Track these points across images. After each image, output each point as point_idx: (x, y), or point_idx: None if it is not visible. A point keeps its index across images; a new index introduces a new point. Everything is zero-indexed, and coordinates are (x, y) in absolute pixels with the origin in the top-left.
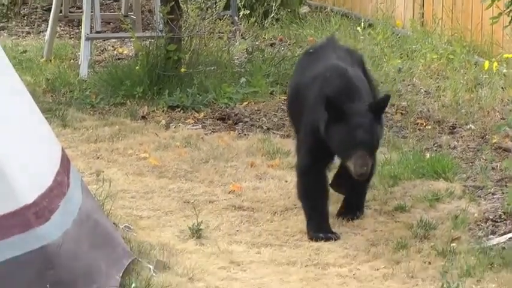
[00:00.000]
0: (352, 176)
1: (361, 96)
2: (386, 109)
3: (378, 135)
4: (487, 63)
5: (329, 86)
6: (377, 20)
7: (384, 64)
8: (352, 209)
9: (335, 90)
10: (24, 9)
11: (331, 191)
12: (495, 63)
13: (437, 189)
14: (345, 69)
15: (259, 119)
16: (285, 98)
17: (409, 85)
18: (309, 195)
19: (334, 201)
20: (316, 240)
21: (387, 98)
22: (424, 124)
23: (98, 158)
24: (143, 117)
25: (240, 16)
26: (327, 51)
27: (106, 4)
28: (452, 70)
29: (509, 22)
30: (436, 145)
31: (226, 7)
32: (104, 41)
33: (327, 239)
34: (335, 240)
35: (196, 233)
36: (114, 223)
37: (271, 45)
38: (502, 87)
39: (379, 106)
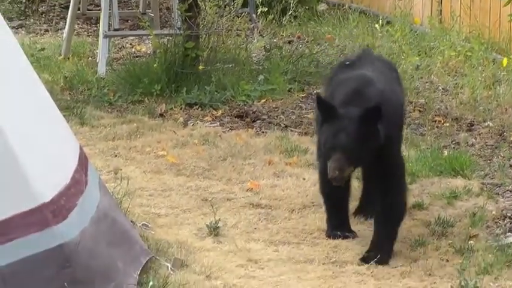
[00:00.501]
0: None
1: (366, 103)
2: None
3: (363, 142)
4: (505, 60)
5: (339, 91)
6: (395, 17)
7: (401, 61)
8: (382, 253)
9: (341, 94)
10: (42, 6)
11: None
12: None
13: (455, 186)
14: (361, 76)
15: (277, 117)
16: (303, 95)
17: (427, 82)
18: (329, 193)
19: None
20: (334, 238)
21: (377, 108)
22: (442, 121)
23: (116, 156)
24: (161, 115)
25: (258, 14)
26: (364, 64)
27: (124, 2)
28: (470, 67)
29: None
30: (454, 142)
31: (244, 4)
32: (122, 38)
33: (345, 238)
34: (353, 238)
35: (214, 230)
36: (131, 221)
37: (289, 42)
38: None
39: (370, 114)
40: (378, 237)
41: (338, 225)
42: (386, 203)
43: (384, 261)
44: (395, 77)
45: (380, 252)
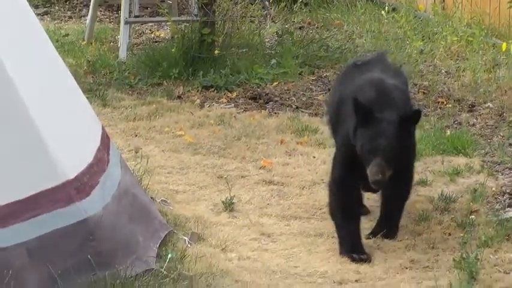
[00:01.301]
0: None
1: (395, 108)
2: (410, 88)
3: (402, 146)
4: (504, 45)
5: (364, 94)
6: (400, 4)
7: (406, 46)
8: (389, 228)
9: (368, 97)
10: None
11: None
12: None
13: (457, 164)
14: (384, 80)
15: (288, 98)
16: (313, 78)
17: (430, 66)
18: (341, 214)
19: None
20: (351, 260)
21: (418, 112)
22: (445, 103)
23: (136, 135)
24: (179, 96)
25: (271, 1)
26: (374, 67)
27: None
28: (471, 52)
29: None
30: (456, 122)
31: None
32: (142, 24)
33: (360, 260)
34: (368, 262)
35: (229, 206)
36: (151, 197)
37: (300, 28)
38: None
39: (410, 118)
40: (385, 213)
41: (353, 246)
42: (394, 183)
43: (391, 235)
44: (405, 85)
45: (387, 227)
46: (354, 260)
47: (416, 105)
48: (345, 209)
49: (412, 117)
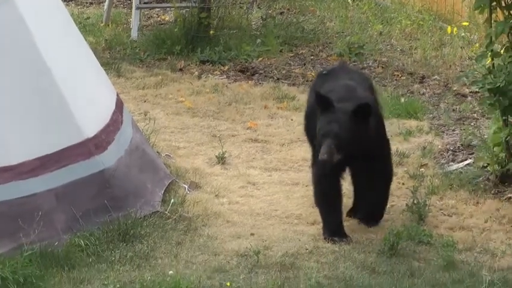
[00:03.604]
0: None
1: (354, 102)
2: (371, 64)
3: (355, 134)
4: (449, 28)
5: (328, 91)
6: None
7: (368, 29)
8: (372, 215)
9: (330, 91)
10: None
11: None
12: (455, 28)
13: (409, 126)
14: (346, 81)
15: (271, 71)
16: (292, 55)
17: (388, 45)
18: (324, 202)
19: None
20: (333, 243)
21: (367, 105)
22: (400, 75)
23: (145, 101)
24: (180, 69)
25: None
26: (340, 74)
27: None
28: (422, 33)
29: None
30: (409, 92)
31: None
32: (150, 10)
33: (341, 242)
34: (348, 243)
35: (221, 160)
36: (157, 152)
37: (281, 13)
38: (460, 47)
39: (361, 111)
40: (371, 199)
41: (335, 230)
42: (377, 169)
43: (378, 219)
44: (369, 85)
45: (376, 212)
46: (335, 242)
47: (376, 77)
48: (327, 199)
49: (365, 108)
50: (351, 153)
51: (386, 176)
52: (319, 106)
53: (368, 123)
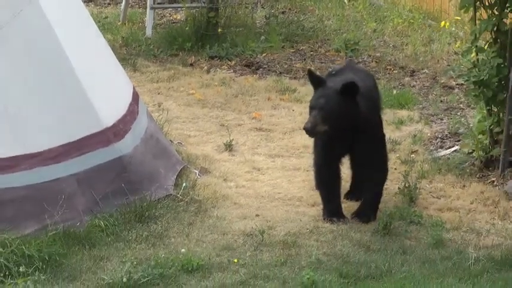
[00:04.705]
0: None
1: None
2: (365, 59)
3: (341, 110)
4: (443, 23)
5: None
6: None
7: (363, 26)
8: (366, 212)
9: (330, 75)
10: None
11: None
12: (447, 23)
13: (401, 115)
14: (351, 77)
15: (274, 66)
16: (293, 51)
17: (381, 41)
18: (324, 186)
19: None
20: (331, 223)
21: (351, 84)
22: (392, 69)
23: (159, 93)
24: (191, 64)
25: None
26: (346, 72)
27: None
28: (412, 30)
29: None
30: (400, 84)
31: None
32: (163, 9)
33: (339, 222)
34: (346, 224)
35: (229, 147)
36: (170, 140)
37: (283, 12)
38: (448, 43)
39: (347, 89)
40: (365, 199)
41: (333, 212)
42: (371, 169)
43: (371, 219)
44: (372, 83)
45: (368, 211)
46: (334, 223)
47: (370, 71)
48: (326, 183)
49: (351, 86)
50: (340, 127)
51: (380, 174)
52: (312, 84)
53: (355, 101)
